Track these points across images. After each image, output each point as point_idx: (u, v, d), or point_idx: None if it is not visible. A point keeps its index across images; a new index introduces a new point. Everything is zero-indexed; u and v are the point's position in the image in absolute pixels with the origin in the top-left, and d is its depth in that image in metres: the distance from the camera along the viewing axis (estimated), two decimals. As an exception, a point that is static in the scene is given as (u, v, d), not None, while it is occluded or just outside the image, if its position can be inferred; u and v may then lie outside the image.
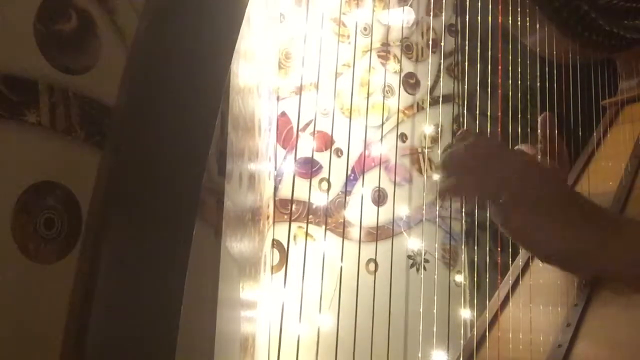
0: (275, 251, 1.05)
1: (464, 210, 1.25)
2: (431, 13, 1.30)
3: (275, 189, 1.08)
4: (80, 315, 0.40)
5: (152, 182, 0.44)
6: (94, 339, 0.40)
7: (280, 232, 1.06)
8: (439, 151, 1.27)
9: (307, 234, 1.07)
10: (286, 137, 1.11)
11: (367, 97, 1.17)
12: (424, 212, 1.21)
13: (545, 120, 0.77)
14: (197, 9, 0.47)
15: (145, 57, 0.46)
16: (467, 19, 0.96)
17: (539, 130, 0.78)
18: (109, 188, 0.42)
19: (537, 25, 0.92)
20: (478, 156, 0.65)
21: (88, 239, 0.42)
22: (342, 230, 1.10)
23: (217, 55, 0.48)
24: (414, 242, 1.18)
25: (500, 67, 0.90)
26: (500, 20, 0.89)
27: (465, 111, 1.26)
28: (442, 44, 1.32)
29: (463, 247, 1.26)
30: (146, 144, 0.44)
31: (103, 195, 0.42)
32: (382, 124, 1.19)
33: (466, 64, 1.14)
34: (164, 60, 0.46)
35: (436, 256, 1.21)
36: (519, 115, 0.97)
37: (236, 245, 0.71)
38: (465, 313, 0.96)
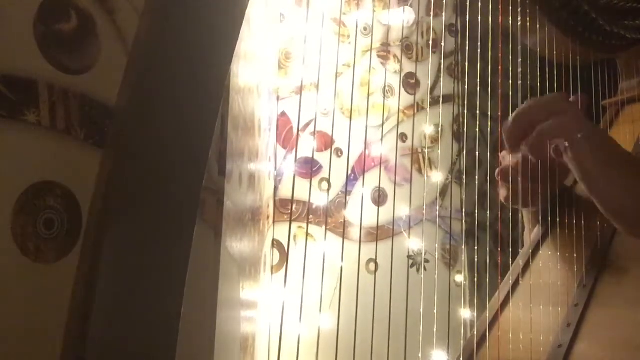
0: (275, 251, 1.05)
1: (464, 210, 1.25)
2: (431, 13, 1.30)
3: (275, 189, 1.08)
4: (81, 316, 0.40)
5: (152, 183, 0.44)
6: (94, 339, 0.40)
7: (280, 232, 1.06)
8: (439, 151, 1.27)
9: (307, 233, 1.07)
10: (286, 137, 1.11)
11: (368, 97, 1.17)
12: (424, 212, 1.21)
13: (577, 101, 0.78)
14: (197, 9, 0.47)
15: (146, 58, 0.46)
16: (468, 19, 0.96)
17: None
18: (109, 188, 0.42)
19: (538, 26, 0.92)
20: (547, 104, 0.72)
21: (88, 239, 0.42)
22: (342, 230, 1.10)
23: (217, 55, 0.48)
24: (414, 242, 1.18)
25: (500, 67, 0.89)
26: (500, 21, 0.89)
27: (465, 111, 1.26)
28: (443, 44, 1.32)
29: (463, 247, 1.26)
30: (146, 145, 0.44)
31: (103, 196, 0.42)
32: (382, 124, 1.19)
33: (466, 64, 1.14)
34: (164, 61, 0.46)
35: (436, 256, 1.21)
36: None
37: (236, 245, 0.71)
38: (466, 313, 0.96)
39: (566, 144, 0.68)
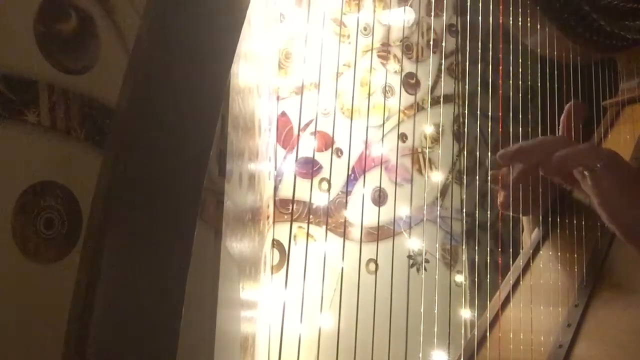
0: (275, 251, 1.05)
1: (464, 210, 1.25)
2: (432, 13, 1.30)
3: (275, 189, 1.08)
4: (81, 316, 0.40)
5: (153, 183, 0.44)
6: (95, 339, 0.40)
7: (280, 232, 1.06)
8: (439, 151, 1.27)
9: (308, 234, 1.07)
10: (286, 137, 1.11)
11: (368, 97, 1.17)
12: (424, 212, 1.20)
13: (571, 110, 0.78)
14: (198, 9, 0.47)
15: (147, 59, 0.46)
16: (468, 19, 0.96)
17: (562, 117, 0.79)
18: (110, 188, 0.42)
19: (538, 26, 0.92)
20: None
21: (89, 240, 0.41)
22: (342, 230, 1.10)
23: (218, 56, 0.48)
24: (414, 242, 1.18)
25: (500, 67, 0.89)
26: (501, 21, 0.88)
27: (465, 111, 1.26)
28: (443, 44, 1.32)
29: (463, 247, 1.26)
30: (147, 145, 0.44)
31: (104, 196, 0.42)
32: (383, 124, 1.19)
33: (467, 64, 1.14)
34: (166, 62, 0.46)
35: (437, 256, 1.21)
36: (520, 116, 0.97)
37: (236, 245, 0.71)
38: (466, 313, 0.96)
39: (586, 172, 0.68)
